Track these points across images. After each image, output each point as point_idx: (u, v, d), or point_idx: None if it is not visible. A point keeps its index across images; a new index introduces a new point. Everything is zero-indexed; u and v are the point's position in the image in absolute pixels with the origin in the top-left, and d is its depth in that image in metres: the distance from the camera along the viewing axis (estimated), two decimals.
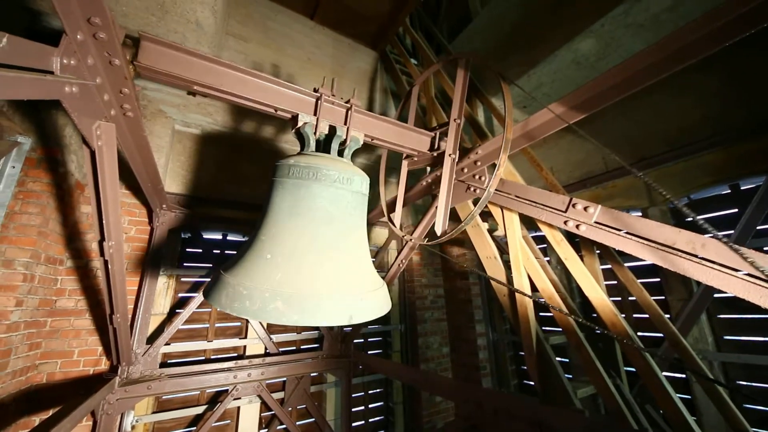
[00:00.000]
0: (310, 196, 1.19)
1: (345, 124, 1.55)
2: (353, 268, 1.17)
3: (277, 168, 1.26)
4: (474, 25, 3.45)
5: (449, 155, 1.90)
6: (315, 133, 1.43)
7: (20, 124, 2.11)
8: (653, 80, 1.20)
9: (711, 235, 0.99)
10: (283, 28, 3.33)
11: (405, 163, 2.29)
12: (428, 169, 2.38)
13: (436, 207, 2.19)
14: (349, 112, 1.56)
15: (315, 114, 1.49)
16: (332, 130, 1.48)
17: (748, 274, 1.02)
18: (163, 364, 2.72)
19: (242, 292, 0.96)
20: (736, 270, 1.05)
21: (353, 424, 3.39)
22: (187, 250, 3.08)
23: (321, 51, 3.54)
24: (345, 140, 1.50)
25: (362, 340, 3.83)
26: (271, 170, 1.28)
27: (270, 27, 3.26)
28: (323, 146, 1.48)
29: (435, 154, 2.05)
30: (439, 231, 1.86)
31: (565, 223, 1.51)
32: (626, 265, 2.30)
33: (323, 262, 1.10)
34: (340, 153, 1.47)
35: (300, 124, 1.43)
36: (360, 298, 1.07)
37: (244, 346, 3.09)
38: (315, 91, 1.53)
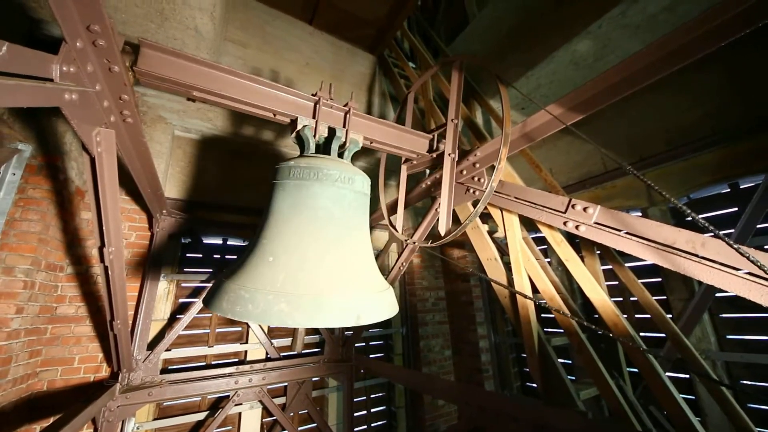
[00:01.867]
0: (311, 196, 1.17)
1: (344, 127, 1.56)
2: (358, 268, 1.15)
3: (277, 171, 1.25)
4: (471, 28, 3.47)
5: (448, 155, 1.91)
6: (314, 136, 1.44)
7: (20, 131, 2.12)
8: (651, 80, 1.21)
9: (711, 234, 0.99)
10: (281, 33, 3.35)
11: (404, 168, 2.30)
12: (427, 172, 2.38)
13: (436, 209, 2.20)
14: (348, 115, 1.57)
15: (314, 117, 1.50)
16: (331, 132, 1.49)
17: (749, 273, 1.02)
18: (164, 371, 2.71)
19: (244, 295, 0.94)
20: (737, 269, 1.04)
21: (356, 429, 3.37)
22: (188, 255, 3.08)
23: (319, 56, 3.56)
24: (344, 143, 1.50)
25: (363, 344, 3.81)
26: (270, 174, 1.28)
27: (268, 32, 3.27)
28: (323, 149, 1.48)
29: (434, 155, 2.06)
30: (442, 230, 1.86)
31: (565, 224, 1.51)
32: (627, 265, 2.30)
33: (328, 262, 1.08)
34: (340, 155, 1.48)
35: (299, 126, 1.44)
36: (367, 298, 1.04)
37: (245, 351, 3.08)
38: (313, 95, 1.54)
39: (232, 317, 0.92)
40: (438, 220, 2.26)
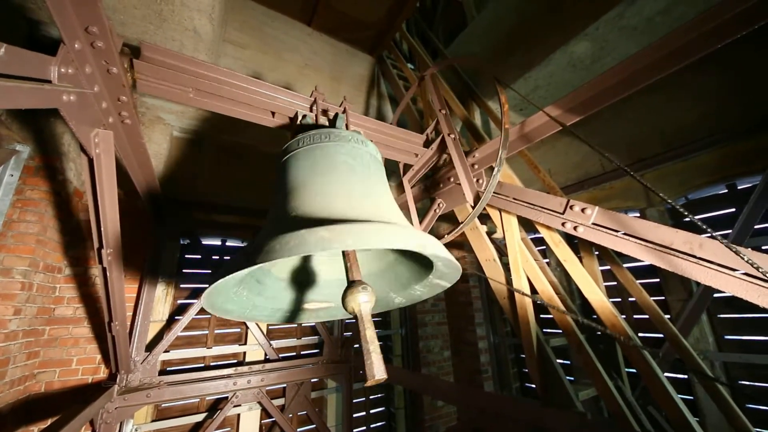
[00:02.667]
0: (328, 154, 1.07)
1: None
2: (395, 216, 0.99)
3: (284, 150, 1.17)
4: (470, 29, 3.47)
5: (448, 135, 1.95)
6: (316, 123, 1.43)
7: (18, 132, 2.11)
8: (649, 81, 1.21)
9: (708, 235, 0.99)
10: (280, 35, 3.35)
11: (406, 180, 2.28)
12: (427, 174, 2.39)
13: (435, 210, 2.20)
14: (344, 115, 1.57)
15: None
16: (332, 123, 1.48)
17: (746, 274, 1.02)
18: (162, 372, 2.70)
19: (268, 242, 0.71)
20: (734, 269, 1.05)
21: (355, 430, 3.37)
22: (186, 256, 3.07)
23: (318, 57, 3.56)
24: (347, 127, 1.50)
25: None
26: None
27: (267, 34, 3.28)
28: None
29: (433, 147, 2.07)
30: (470, 199, 1.87)
31: (563, 224, 1.51)
32: (625, 266, 2.30)
33: (361, 205, 0.92)
34: None
35: (299, 118, 1.43)
36: (420, 233, 0.83)
37: (244, 353, 3.07)
38: (309, 97, 1.54)
39: (258, 262, 0.68)
40: (436, 221, 2.27)
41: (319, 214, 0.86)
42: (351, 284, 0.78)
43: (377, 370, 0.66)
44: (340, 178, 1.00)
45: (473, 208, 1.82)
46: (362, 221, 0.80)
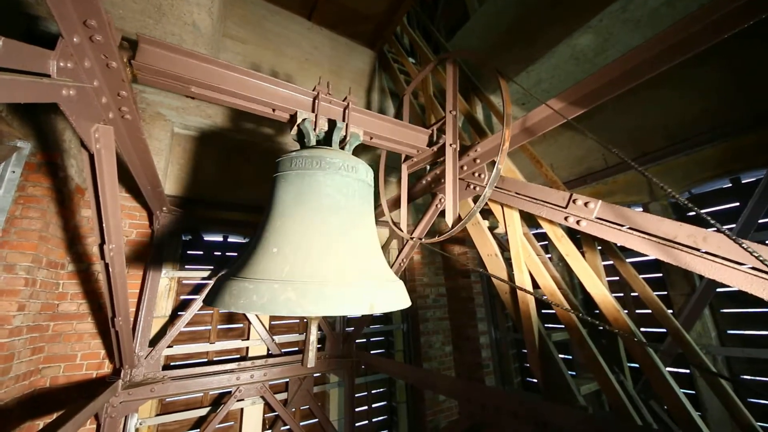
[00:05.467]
0: (315, 185, 1.13)
1: (343, 121, 1.55)
2: (367, 258, 1.10)
3: (278, 164, 1.23)
4: (471, 22, 3.44)
5: (450, 145, 1.92)
6: (315, 129, 1.43)
7: (19, 128, 2.11)
8: (653, 73, 1.20)
9: (714, 228, 0.98)
10: (280, 29, 3.33)
11: (405, 167, 2.29)
12: (428, 168, 2.38)
13: (437, 205, 2.19)
14: (347, 110, 1.56)
15: (313, 112, 1.49)
16: (332, 126, 1.47)
17: (752, 267, 1.02)
18: (166, 367, 2.72)
19: (248, 287, 0.89)
20: (739, 263, 1.04)
21: (357, 424, 3.39)
22: (189, 252, 3.08)
23: (319, 51, 3.54)
24: (345, 137, 1.49)
25: (364, 340, 3.82)
26: (272, 170, 1.27)
27: (267, 28, 3.25)
28: (323, 143, 1.47)
29: (434, 149, 2.05)
30: (449, 220, 1.86)
31: (566, 219, 1.50)
32: (628, 260, 2.29)
33: (335, 251, 1.02)
34: (341, 149, 1.47)
35: (299, 120, 1.43)
36: (379, 287, 0.98)
37: (247, 348, 3.09)
38: (312, 90, 1.53)
39: (236, 310, 0.87)
40: (438, 216, 2.26)
41: (294, 261, 0.97)
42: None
43: (310, 360, 1.07)
44: (321, 216, 1.09)
45: (454, 226, 1.81)
46: (325, 284, 0.92)
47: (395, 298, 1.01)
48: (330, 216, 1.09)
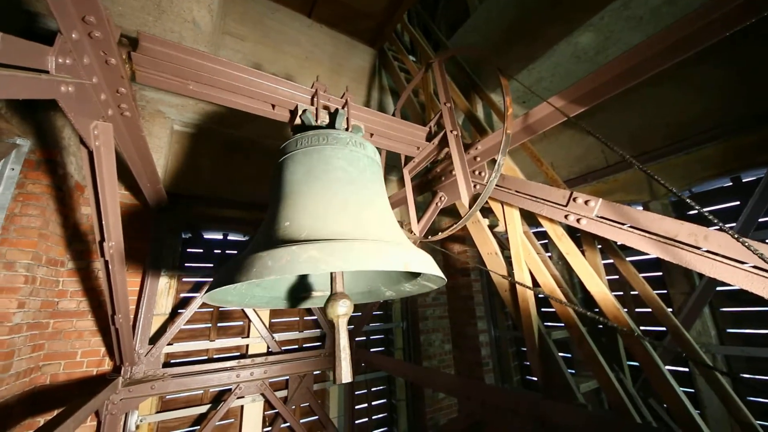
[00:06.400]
0: (325, 159, 1.06)
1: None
2: (392, 227, 1.01)
3: (283, 149, 1.18)
4: (472, 20, 3.42)
5: (450, 131, 1.93)
6: (316, 120, 1.41)
7: (18, 126, 2.10)
8: (654, 71, 1.19)
9: (717, 227, 0.98)
10: (280, 27, 3.31)
11: (406, 171, 2.28)
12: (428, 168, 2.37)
13: (437, 203, 2.19)
14: (345, 107, 1.55)
15: (313, 106, 1.49)
16: (333, 115, 1.46)
17: (753, 266, 1.01)
18: (166, 364, 2.72)
19: (261, 255, 0.75)
20: (740, 261, 1.04)
21: (356, 422, 3.40)
22: (188, 250, 3.08)
23: (319, 49, 3.52)
24: (347, 128, 1.48)
25: (364, 338, 3.83)
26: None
27: (267, 25, 3.24)
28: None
29: (435, 141, 2.05)
30: (465, 200, 1.86)
31: (566, 217, 1.50)
32: (628, 259, 2.29)
33: (356, 216, 0.93)
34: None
35: (300, 111, 1.42)
36: (411, 248, 0.87)
37: (247, 345, 3.09)
38: (310, 88, 1.52)
39: (249, 279, 0.72)
40: (437, 215, 2.26)
41: (312, 225, 0.88)
42: (333, 296, 0.86)
43: (345, 375, 0.80)
44: (335, 187, 1.01)
45: (472, 205, 1.81)
46: (352, 240, 0.82)
47: (430, 262, 0.89)
48: (345, 186, 1.01)
